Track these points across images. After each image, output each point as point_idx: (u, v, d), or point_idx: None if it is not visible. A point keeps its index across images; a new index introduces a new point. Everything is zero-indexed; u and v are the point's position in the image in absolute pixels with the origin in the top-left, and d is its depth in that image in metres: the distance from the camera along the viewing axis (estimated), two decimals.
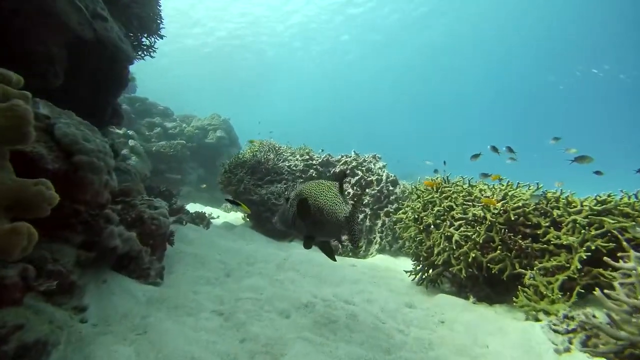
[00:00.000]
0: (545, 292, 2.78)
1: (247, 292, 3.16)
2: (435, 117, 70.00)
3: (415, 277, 4.01)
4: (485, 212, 3.44)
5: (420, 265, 3.92)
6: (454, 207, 3.81)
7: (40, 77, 3.66)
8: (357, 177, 6.78)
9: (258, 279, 3.56)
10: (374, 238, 6.14)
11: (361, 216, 6.30)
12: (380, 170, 7.02)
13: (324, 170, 7.26)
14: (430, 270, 3.85)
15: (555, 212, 3.19)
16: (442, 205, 3.86)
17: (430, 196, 4.06)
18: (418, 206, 4.07)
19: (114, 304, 2.59)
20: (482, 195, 3.77)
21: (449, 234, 3.56)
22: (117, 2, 4.66)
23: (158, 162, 12.16)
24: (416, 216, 4.01)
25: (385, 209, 6.43)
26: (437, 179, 4.32)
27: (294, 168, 7.14)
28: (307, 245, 2.52)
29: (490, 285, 3.52)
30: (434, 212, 3.83)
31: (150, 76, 34.56)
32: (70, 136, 2.47)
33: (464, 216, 3.62)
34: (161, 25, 6.39)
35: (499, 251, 3.23)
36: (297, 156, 7.68)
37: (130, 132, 11.49)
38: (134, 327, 2.36)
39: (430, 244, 3.76)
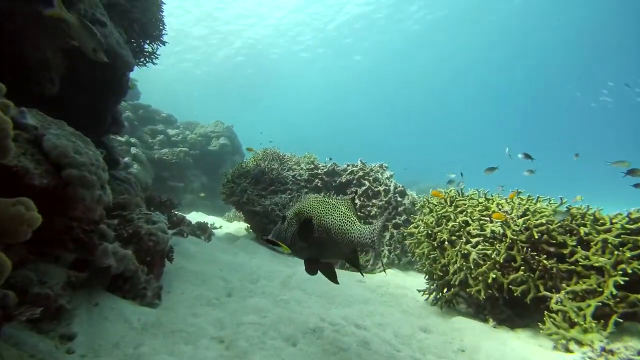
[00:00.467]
0: (576, 319, 2.54)
1: (250, 315, 2.94)
2: (442, 126, 69.91)
3: (429, 296, 3.77)
4: (505, 229, 3.21)
5: (435, 285, 3.68)
6: (470, 222, 3.58)
7: (36, 85, 3.50)
8: (364, 187, 6.56)
9: (261, 299, 3.34)
10: (382, 251, 5.90)
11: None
12: (387, 180, 6.80)
13: (330, 180, 7.05)
14: (445, 290, 3.61)
15: (582, 230, 2.96)
16: (457, 220, 3.63)
17: (444, 210, 3.83)
18: (431, 221, 3.84)
19: (106, 331, 2.38)
20: (500, 209, 3.54)
21: (465, 251, 3.34)
22: (117, 6, 4.51)
23: (160, 170, 12.04)
24: (429, 231, 3.78)
25: (394, 221, 6.20)
26: (450, 191, 4.10)
27: (299, 178, 6.94)
28: (310, 269, 2.35)
29: (511, 306, 3.28)
30: (449, 227, 3.61)
31: (154, 83, 34.73)
32: (60, 148, 2.28)
33: (482, 232, 3.39)
34: (164, 32, 6.26)
35: (521, 272, 2.99)
36: (302, 165, 7.48)
37: (133, 140, 11.38)
38: (126, 358, 2.14)
39: (445, 261, 3.53)
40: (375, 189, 6.54)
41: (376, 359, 2.46)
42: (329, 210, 2.07)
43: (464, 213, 3.71)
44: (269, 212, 5.91)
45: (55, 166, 2.30)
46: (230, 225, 8.87)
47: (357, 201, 6.39)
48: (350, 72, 43.19)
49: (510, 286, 3.04)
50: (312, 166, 7.34)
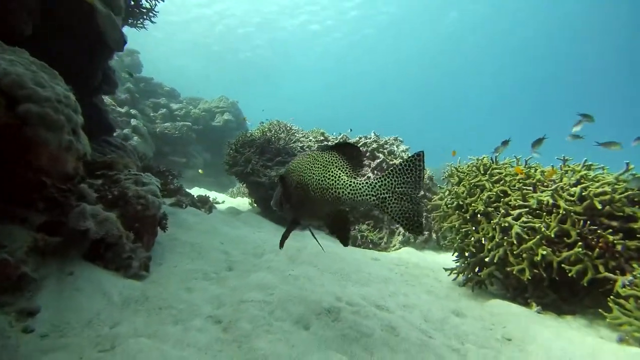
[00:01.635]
0: None
1: (254, 292, 2.50)
2: (455, 108, 68.56)
3: (458, 276, 3.31)
4: (557, 199, 2.70)
5: (466, 263, 3.21)
6: (509, 192, 3.08)
7: (5, 25, 2.99)
8: (378, 160, 6.05)
9: (267, 274, 2.89)
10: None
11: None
12: (403, 153, 6.29)
13: None
14: (477, 269, 3.15)
15: None
16: (494, 190, 3.13)
17: (476, 179, 3.33)
18: (462, 191, 3.34)
19: (79, 305, 1.95)
20: (545, 178, 3.03)
21: (505, 224, 2.84)
22: None
23: (162, 144, 11.63)
24: (459, 202, 3.29)
25: None
26: (482, 158, 3.58)
27: (307, 149, 6.45)
28: (286, 233, 2.09)
29: (555, 289, 2.81)
30: (484, 198, 3.10)
31: (156, 57, 33.88)
32: (14, 76, 1.79)
33: (525, 203, 2.89)
34: None
35: (577, 249, 2.50)
36: (311, 137, 6.99)
37: (133, 112, 10.92)
38: (99, 340, 1.71)
39: (479, 236, 3.05)
40: (391, 162, 6.03)
41: (407, 347, 2.02)
42: (309, 164, 1.78)
43: (500, 182, 3.20)
44: (274, 184, 5.44)
45: (10, 100, 1.82)
46: (233, 201, 8.45)
47: (370, 175, 5.89)
48: (360, 49, 41.70)
49: (562, 265, 2.56)
50: (322, 137, 6.84)
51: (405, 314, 2.49)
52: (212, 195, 8.77)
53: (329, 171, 1.67)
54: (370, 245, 5.07)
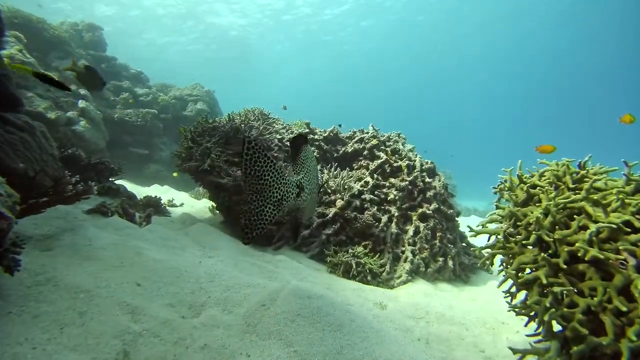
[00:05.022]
0: None
1: None
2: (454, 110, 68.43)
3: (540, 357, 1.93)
4: None
5: (564, 349, 1.82)
6: (637, 224, 1.73)
7: None
8: (379, 161, 4.66)
9: None
10: (403, 253, 4.06)
11: (385, 218, 4.18)
12: (410, 153, 4.93)
13: (331, 149, 5.13)
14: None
15: None
16: (609, 219, 1.77)
17: (564, 197, 1.97)
18: (537, 214, 1.97)
19: None
20: None
21: None
22: None
23: (121, 133, 9.98)
24: (544, 235, 1.91)
25: (420, 210, 4.35)
26: (564, 163, 2.23)
27: (288, 143, 5.00)
28: None
29: None
30: (593, 232, 1.74)
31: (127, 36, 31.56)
32: None
33: None
34: None
35: None
36: (294, 129, 5.56)
37: (83, 92, 9.17)
38: None
39: (588, 303, 1.68)
40: (395, 164, 4.65)
41: None
42: None
43: (612, 205, 1.85)
44: (240, 187, 3.95)
45: None
46: (196, 204, 6.91)
47: (369, 179, 4.48)
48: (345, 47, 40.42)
49: None
50: (307, 130, 5.41)
51: None
52: (171, 195, 7.22)
53: None
54: (369, 277, 3.67)
